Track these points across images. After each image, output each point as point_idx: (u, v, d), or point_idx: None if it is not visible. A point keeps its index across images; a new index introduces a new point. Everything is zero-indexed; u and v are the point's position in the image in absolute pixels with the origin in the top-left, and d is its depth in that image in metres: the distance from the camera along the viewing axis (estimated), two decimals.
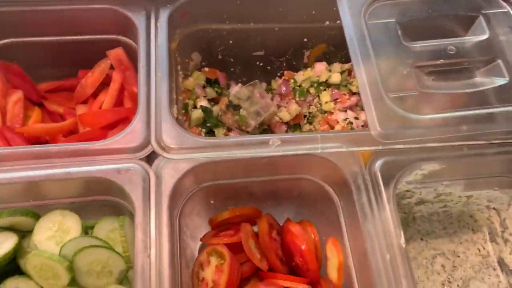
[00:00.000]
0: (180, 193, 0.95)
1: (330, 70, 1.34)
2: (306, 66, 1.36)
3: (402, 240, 0.87)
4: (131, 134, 0.92)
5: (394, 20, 1.09)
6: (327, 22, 1.24)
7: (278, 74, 1.37)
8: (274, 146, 0.93)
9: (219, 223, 1.13)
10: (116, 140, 0.92)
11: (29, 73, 1.18)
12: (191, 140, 0.93)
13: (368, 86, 0.98)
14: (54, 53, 1.18)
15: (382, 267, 0.85)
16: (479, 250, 1.20)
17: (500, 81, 1.03)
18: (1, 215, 0.93)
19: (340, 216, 0.99)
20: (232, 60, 1.29)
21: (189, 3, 1.11)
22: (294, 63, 1.35)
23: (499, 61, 1.05)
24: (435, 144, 0.98)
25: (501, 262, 1.18)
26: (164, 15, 1.08)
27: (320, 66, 1.33)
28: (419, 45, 1.06)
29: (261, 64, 1.33)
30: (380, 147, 0.96)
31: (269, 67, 1.34)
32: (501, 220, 1.17)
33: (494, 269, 1.18)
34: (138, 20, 1.08)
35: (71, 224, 0.95)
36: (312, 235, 1.12)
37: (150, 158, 0.92)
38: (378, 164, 0.94)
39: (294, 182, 1.05)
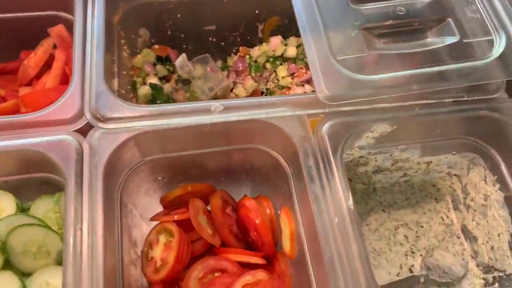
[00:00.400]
0: (120, 166, 0.90)
1: (286, 45, 1.31)
2: (261, 41, 1.32)
3: (351, 202, 0.83)
4: (64, 106, 0.88)
5: None
6: None
7: (233, 50, 1.33)
8: (217, 112, 0.89)
9: (171, 202, 1.08)
10: (48, 113, 0.87)
11: None
12: (128, 109, 0.88)
13: (315, 48, 0.94)
14: None
15: (330, 231, 0.81)
16: (443, 219, 1.17)
17: (451, 40, 1.00)
18: None
19: (291, 185, 0.95)
20: (183, 35, 1.25)
21: None
22: (248, 38, 1.31)
23: (449, 20, 1.02)
24: (385, 105, 0.94)
25: (465, 230, 1.14)
26: None
27: (276, 40, 1.29)
28: (367, 7, 1.03)
29: (214, 39, 1.28)
30: (327, 110, 0.92)
31: (223, 43, 1.30)
32: (462, 186, 1.13)
33: (458, 237, 1.15)
34: None
35: (5, 204, 0.90)
36: (268, 210, 1.08)
37: (85, 130, 0.87)
38: (325, 127, 0.91)
39: (245, 153, 1.01)
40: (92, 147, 0.85)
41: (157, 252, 0.97)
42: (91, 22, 0.98)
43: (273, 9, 1.25)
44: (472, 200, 1.11)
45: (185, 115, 0.89)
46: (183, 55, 1.11)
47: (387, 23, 1.02)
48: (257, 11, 1.24)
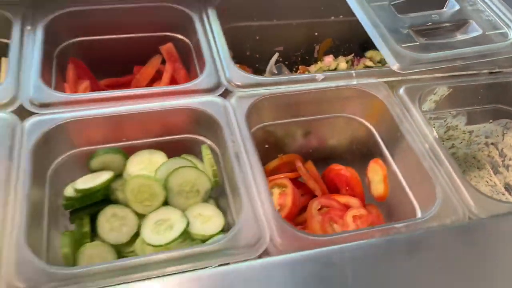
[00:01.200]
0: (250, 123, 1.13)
1: (337, 63, 1.63)
2: (316, 60, 1.64)
3: (435, 133, 1.09)
4: (206, 78, 1.13)
5: (387, 2, 1.42)
6: (332, 17, 1.55)
7: (294, 69, 1.64)
8: (320, 80, 1.17)
9: (270, 172, 1.30)
10: (194, 84, 1.12)
11: (92, 68, 1.39)
12: (254, 79, 1.15)
13: (382, 39, 1.26)
14: (114, 50, 1.40)
15: (425, 151, 1.06)
16: (487, 182, 1.42)
17: (476, 33, 1.35)
18: (97, 153, 1.08)
19: (378, 141, 1.21)
20: (257, 55, 1.56)
21: (227, 1, 1.39)
22: (306, 57, 1.63)
23: (471, 21, 1.38)
24: (441, 74, 1.25)
25: (508, 187, 1.39)
26: (213, 12, 1.34)
27: (328, 59, 1.62)
28: (410, 16, 1.38)
29: (281, 59, 1.60)
30: (400, 78, 1.22)
31: (286, 62, 1.61)
32: (499, 151, 1.41)
33: (503, 194, 1.39)
34: (194, 16, 1.33)
35: (159, 159, 1.10)
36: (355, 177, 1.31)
37: (225, 95, 1.12)
38: (402, 89, 1.19)
39: (334, 122, 1.27)
40: (232, 106, 1.09)
41: (274, 201, 1.17)
42: (211, 32, 1.27)
43: (328, 31, 1.59)
44: (510, 159, 1.37)
45: (296, 83, 1.16)
46: (276, 54, 1.40)
47: (427, 26, 1.37)
48: (316, 33, 1.58)
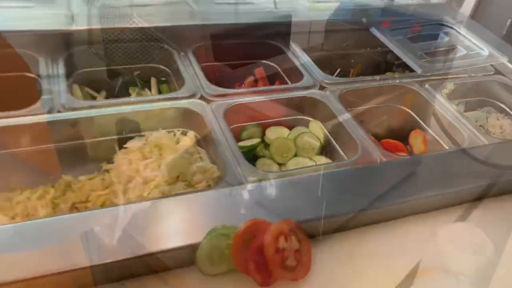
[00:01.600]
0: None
1: None
2: None
3: (454, 107, 1.75)
4: (306, 81, 1.76)
5: (402, 37, 2.14)
6: (362, 49, 2.26)
7: None
8: (378, 80, 1.83)
9: None
10: (300, 83, 1.75)
11: None
12: (340, 80, 1.79)
13: (408, 57, 1.96)
14: (223, 72, 2.01)
15: (452, 116, 1.71)
16: None
17: (463, 53, 2.08)
18: (247, 128, 1.66)
19: (416, 119, 1.85)
20: None
21: (307, 39, 2.06)
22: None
23: (458, 46, 2.12)
24: (448, 76, 1.94)
25: None
26: (296, 45, 2.01)
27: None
28: (419, 44, 2.10)
29: None
30: (424, 79, 1.90)
31: None
32: (485, 130, 2.08)
33: None
34: (283, 47, 1.99)
35: (283, 130, 1.69)
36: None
37: (321, 89, 1.75)
38: (427, 85, 1.87)
39: (384, 110, 1.91)
40: (329, 96, 1.72)
41: None
42: (298, 54, 1.92)
43: (359, 59, 2.28)
44: (493, 134, 2.05)
45: (365, 82, 1.81)
46: (339, 69, 2.06)
47: (431, 50, 2.09)
48: (352, 61, 2.26)
